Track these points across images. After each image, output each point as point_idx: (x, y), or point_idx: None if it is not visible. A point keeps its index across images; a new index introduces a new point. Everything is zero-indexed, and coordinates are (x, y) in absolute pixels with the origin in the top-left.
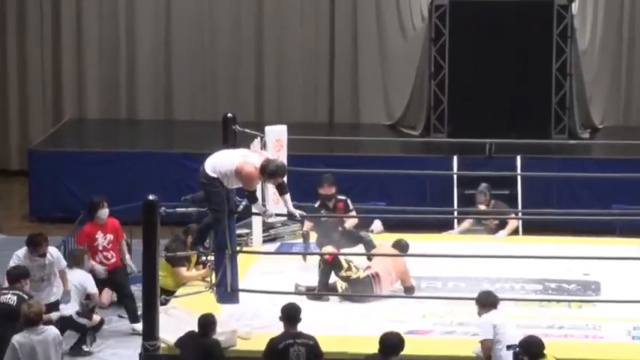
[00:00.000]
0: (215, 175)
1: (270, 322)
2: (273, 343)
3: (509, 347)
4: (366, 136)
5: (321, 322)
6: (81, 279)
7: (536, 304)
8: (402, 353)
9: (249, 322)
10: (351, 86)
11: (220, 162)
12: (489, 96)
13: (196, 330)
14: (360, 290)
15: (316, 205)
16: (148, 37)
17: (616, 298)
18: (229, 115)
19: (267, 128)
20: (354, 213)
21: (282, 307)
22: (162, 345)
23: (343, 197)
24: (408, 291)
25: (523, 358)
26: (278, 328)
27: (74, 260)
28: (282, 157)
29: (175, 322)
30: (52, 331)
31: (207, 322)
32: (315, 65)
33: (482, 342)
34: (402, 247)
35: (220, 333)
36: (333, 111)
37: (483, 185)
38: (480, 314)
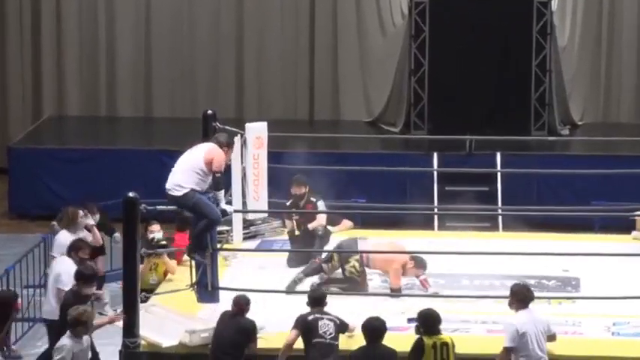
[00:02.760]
0: (187, 189)
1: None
2: (303, 316)
3: (409, 320)
4: (346, 133)
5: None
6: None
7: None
8: None
9: None
10: (332, 83)
11: (184, 173)
12: (469, 93)
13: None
14: (349, 287)
15: (287, 204)
16: (127, 34)
17: (595, 295)
18: (209, 112)
19: (248, 125)
20: (321, 213)
21: (310, 292)
22: (142, 342)
23: (314, 199)
24: (394, 292)
25: (420, 330)
26: (259, 326)
27: (67, 218)
28: (262, 155)
29: (155, 319)
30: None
31: (241, 302)
32: (296, 62)
33: (503, 349)
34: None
35: (203, 330)
36: (313, 108)
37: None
38: (510, 306)
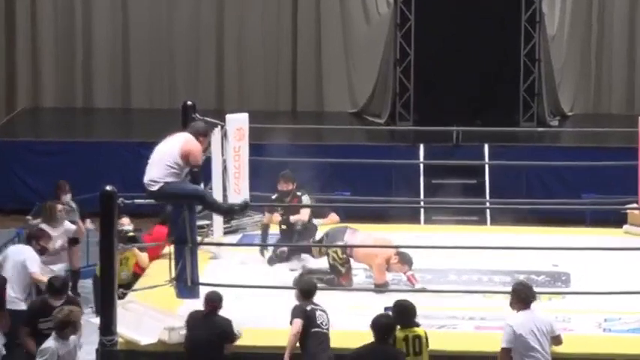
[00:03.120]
0: (161, 183)
1: (234, 316)
2: (300, 306)
3: (386, 308)
4: (329, 125)
5: (282, 315)
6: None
7: (504, 296)
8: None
9: None
10: (315, 73)
11: (158, 166)
12: (456, 83)
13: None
14: (332, 280)
15: (272, 197)
16: (104, 24)
17: (586, 290)
18: (189, 103)
19: (228, 117)
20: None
21: (299, 284)
22: (120, 340)
23: (299, 193)
24: (379, 287)
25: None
26: (237, 323)
27: (46, 213)
28: (243, 147)
29: (133, 316)
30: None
31: (213, 299)
32: (278, 52)
33: (501, 350)
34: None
35: (182, 327)
36: (295, 99)
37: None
38: (511, 306)
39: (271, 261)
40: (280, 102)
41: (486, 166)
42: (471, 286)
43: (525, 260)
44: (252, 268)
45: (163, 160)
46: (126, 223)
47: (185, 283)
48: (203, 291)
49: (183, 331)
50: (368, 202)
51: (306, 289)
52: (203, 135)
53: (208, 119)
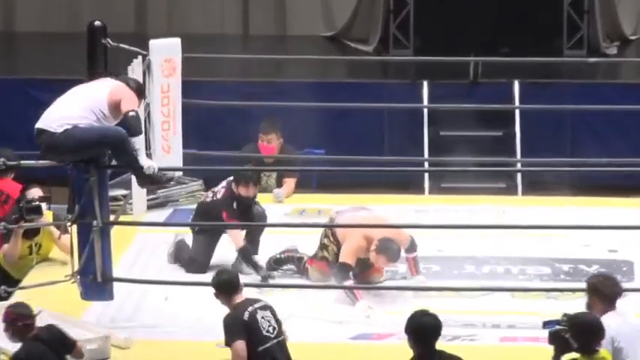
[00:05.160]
0: (68, 126)
1: (159, 322)
2: (233, 317)
3: (547, 324)
4: (295, 54)
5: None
6: None
7: (542, 294)
8: None
9: (128, 324)
10: None
11: (71, 109)
12: None
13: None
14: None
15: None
16: None
17: None
18: (97, 23)
19: (153, 43)
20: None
21: (218, 280)
22: (2, 357)
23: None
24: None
25: (570, 343)
26: (168, 331)
27: None
28: (174, 85)
29: None
30: None
31: (18, 318)
32: None
33: None
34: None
35: (88, 340)
36: (247, 18)
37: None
38: (590, 308)
39: (264, 279)
40: (226, 22)
41: (517, 112)
42: (494, 280)
43: (571, 244)
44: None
45: (80, 104)
46: (36, 196)
47: (93, 278)
48: (119, 290)
49: (92, 346)
50: (349, 163)
51: (225, 281)
52: (137, 91)
53: (125, 46)
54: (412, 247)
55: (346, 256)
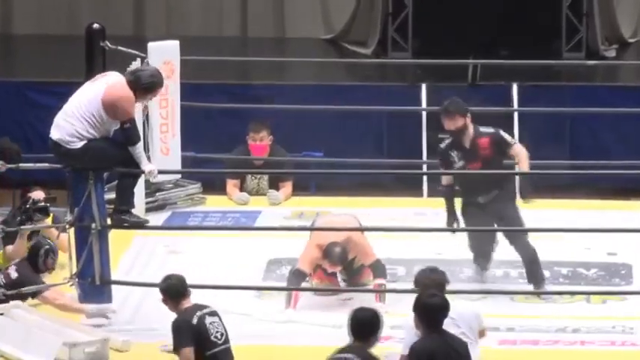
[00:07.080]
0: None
1: (157, 325)
2: (182, 321)
3: None
4: (294, 56)
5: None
6: None
7: (539, 298)
8: None
9: (127, 326)
10: None
11: (75, 117)
12: None
13: None
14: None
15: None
16: None
17: None
18: (95, 26)
19: (151, 45)
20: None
21: (167, 285)
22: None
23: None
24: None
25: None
26: (166, 334)
27: None
28: (173, 88)
29: (20, 327)
30: None
31: None
32: None
33: None
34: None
35: (87, 343)
36: (246, 21)
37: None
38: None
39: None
40: (225, 25)
41: (515, 115)
42: (493, 283)
43: (569, 247)
44: (185, 260)
45: (78, 110)
46: (41, 197)
47: (91, 280)
48: (117, 293)
49: (89, 349)
50: (347, 165)
51: (172, 286)
52: (144, 89)
53: (123, 49)
54: (380, 273)
55: (301, 264)
